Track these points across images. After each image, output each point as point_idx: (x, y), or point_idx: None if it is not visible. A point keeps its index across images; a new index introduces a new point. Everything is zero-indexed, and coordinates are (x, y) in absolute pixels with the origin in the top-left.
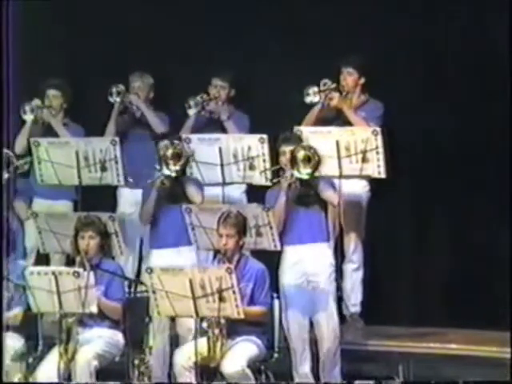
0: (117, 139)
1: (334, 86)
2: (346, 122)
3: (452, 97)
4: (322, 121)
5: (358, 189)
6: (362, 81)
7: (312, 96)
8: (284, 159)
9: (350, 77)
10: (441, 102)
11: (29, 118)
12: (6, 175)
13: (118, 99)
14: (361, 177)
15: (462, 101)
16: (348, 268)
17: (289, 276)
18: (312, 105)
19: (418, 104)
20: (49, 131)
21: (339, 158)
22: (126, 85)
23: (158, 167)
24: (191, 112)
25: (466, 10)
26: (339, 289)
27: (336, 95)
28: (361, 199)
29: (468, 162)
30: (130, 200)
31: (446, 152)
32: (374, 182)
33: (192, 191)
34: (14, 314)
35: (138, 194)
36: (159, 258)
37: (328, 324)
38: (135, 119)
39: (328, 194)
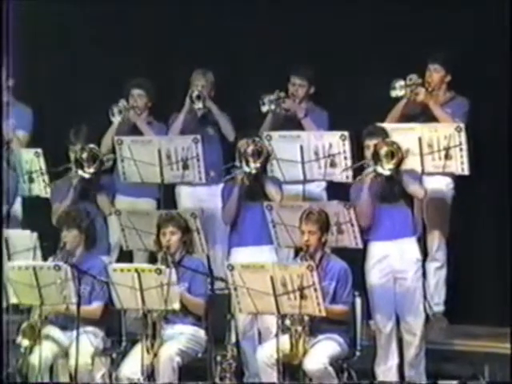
0: (199, 137)
1: (420, 81)
2: (432, 118)
3: None
4: (407, 116)
5: (442, 186)
6: (449, 78)
7: (398, 90)
8: (368, 153)
9: (436, 73)
10: None
11: (116, 120)
12: (91, 170)
13: (196, 102)
14: (443, 174)
15: None
16: (431, 266)
17: (375, 272)
18: (397, 99)
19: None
20: (134, 130)
21: (421, 154)
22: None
23: (237, 164)
24: (264, 109)
25: None
26: (423, 288)
27: (422, 90)
28: (445, 197)
29: None
30: (191, 198)
31: None
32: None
33: (272, 189)
34: (93, 308)
35: (198, 191)
36: (239, 256)
37: (416, 321)
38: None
39: (413, 188)
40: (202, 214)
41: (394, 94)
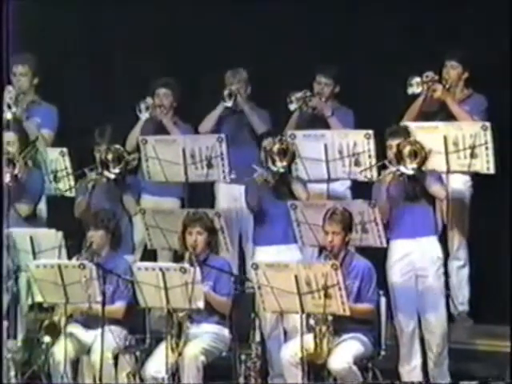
0: (223, 136)
1: (436, 77)
2: (450, 116)
3: None
4: (425, 114)
5: (461, 184)
6: (466, 75)
7: (415, 87)
8: (391, 153)
9: (453, 70)
10: None
11: (143, 116)
12: (116, 170)
13: (227, 100)
14: (469, 173)
15: None
16: (453, 265)
17: (396, 271)
18: (414, 96)
19: None
20: (159, 129)
21: (447, 153)
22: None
23: (263, 163)
24: (292, 107)
25: None
26: (447, 287)
27: (439, 87)
28: (464, 195)
29: None
30: (227, 196)
31: None
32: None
33: (298, 188)
34: (116, 307)
35: (235, 189)
36: (264, 255)
37: (437, 320)
38: (235, 118)
39: (435, 188)
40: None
41: (410, 90)
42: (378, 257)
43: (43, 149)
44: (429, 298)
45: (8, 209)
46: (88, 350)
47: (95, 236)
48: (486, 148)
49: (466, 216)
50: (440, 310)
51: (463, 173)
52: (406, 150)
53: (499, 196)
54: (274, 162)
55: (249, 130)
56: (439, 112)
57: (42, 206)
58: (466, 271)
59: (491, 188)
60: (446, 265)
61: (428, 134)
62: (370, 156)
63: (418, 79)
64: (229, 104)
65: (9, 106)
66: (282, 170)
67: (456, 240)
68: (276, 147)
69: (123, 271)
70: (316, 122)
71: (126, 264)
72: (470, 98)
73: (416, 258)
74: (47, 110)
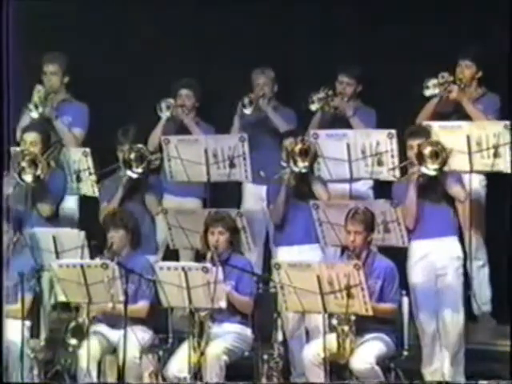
0: (245, 136)
1: (452, 78)
2: (464, 116)
3: None
4: (440, 114)
5: (477, 183)
6: (480, 74)
7: (432, 89)
8: (411, 153)
9: (467, 70)
10: None
11: (164, 115)
12: (139, 170)
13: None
14: (492, 172)
15: None
16: (473, 266)
17: (417, 271)
18: (430, 97)
19: None
20: (181, 129)
21: (470, 153)
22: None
23: (285, 164)
24: (314, 107)
25: None
26: (469, 287)
27: (455, 88)
28: (480, 194)
29: None
30: (254, 196)
31: None
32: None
33: (319, 188)
34: (139, 307)
35: (262, 189)
36: (286, 255)
37: (453, 319)
38: (258, 118)
39: (455, 190)
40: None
41: (428, 93)
42: (399, 257)
43: (66, 149)
44: (446, 296)
45: (31, 209)
46: (113, 350)
47: (115, 236)
48: (510, 147)
49: (482, 215)
50: (457, 309)
51: (487, 172)
52: (427, 150)
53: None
54: (295, 162)
55: (271, 131)
56: (454, 112)
57: (73, 206)
58: (485, 271)
59: (504, 186)
60: (465, 265)
61: (451, 133)
62: (392, 156)
63: (434, 81)
64: (248, 111)
65: (36, 106)
66: (303, 170)
67: (474, 240)
68: (298, 147)
69: (143, 270)
70: (338, 122)
71: (146, 263)
72: (483, 96)
73: (436, 258)
74: (78, 108)
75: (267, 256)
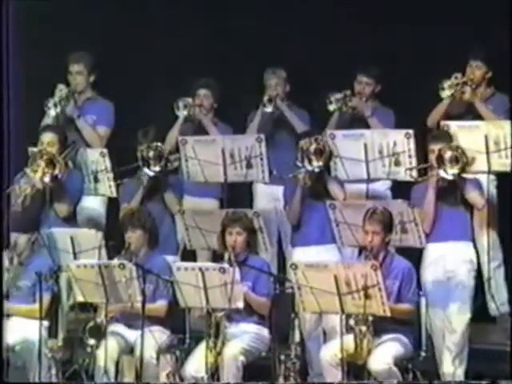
0: (262, 136)
1: (464, 79)
2: (476, 116)
3: None
4: (450, 115)
5: (486, 183)
6: (490, 74)
7: (447, 90)
8: (433, 157)
9: (478, 70)
10: None
11: (181, 114)
12: (157, 168)
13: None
14: (510, 172)
15: None
16: (490, 267)
17: (429, 273)
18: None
19: None
20: (198, 129)
21: (488, 152)
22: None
23: (300, 163)
24: (331, 108)
25: None
26: (489, 288)
27: (468, 89)
28: (491, 194)
29: None
30: (266, 196)
31: None
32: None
33: (335, 188)
34: (157, 306)
35: (274, 189)
36: (303, 255)
37: (457, 318)
38: (274, 118)
39: (473, 196)
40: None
41: (444, 94)
42: (416, 257)
43: (83, 149)
44: (455, 295)
45: (48, 209)
46: (130, 350)
47: (133, 237)
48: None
49: (495, 215)
50: (464, 310)
51: (505, 172)
52: (447, 155)
53: None
54: (310, 162)
55: (287, 130)
56: (466, 113)
57: (90, 206)
58: (501, 271)
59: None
60: (480, 268)
61: (468, 133)
62: (410, 156)
63: (449, 82)
64: (269, 109)
65: (55, 105)
66: (317, 170)
67: (490, 240)
68: (313, 147)
69: (160, 270)
70: (356, 122)
71: (164, 262)
72: (493, 96)
73: (449, 262)
74: (103, 106)
75: (281, 256)
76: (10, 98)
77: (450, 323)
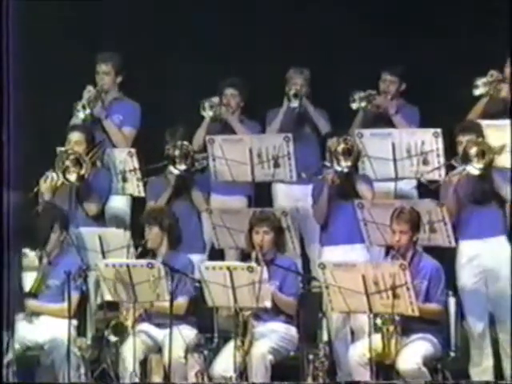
0: (290, 135)
1: (500, 76)
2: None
3: None
4: (489, 114)
5: None
6: None
7: (481, 88)
8: (461, 149)
9: None
10: None
11: (207, 114)
12: (183, 167)
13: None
14: None
15: None
16: None
17: (466, 272)
18: (479, 97)
19: None
20: (225, 128)
21: None
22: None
23: (328, 163)
24: (354, 106)
25: None
26: None
27: (504, 86)
28: None
29: None
30: (287, 195)
31: None
32: None
33: (363, 187)
34: (178, 303)
35: (294, 189)
36: (331, 255)
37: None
38: (297, 118)
39: (506, 190)
40: (295, 213)
41: (477, 92)
42: (445, 257)
43: (110, 149)
44: (503, 299)
45: (75, 208)
46: (158, 349)
47: (149, 234)
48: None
49: None
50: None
51: None
52: (473, 150)
53: None
54: (338, 162)
55: (310, 129)
56: (502, 111)
57: (119, 206)
58: None
59: None
60: None
61: (496, 131)
62: (438, 155)
63: (483, 80)
64: (295, 104)
65: (83, 107)
66: (346, 170)
67: None
68: (341, 147)
69: (183, 269)
70: (381, 120)
71: (186, 262)
72: None
73: (486, 259)
74: (130, 106)
75: (304, 255)
76: (10, 98)
77: (504, 326)
